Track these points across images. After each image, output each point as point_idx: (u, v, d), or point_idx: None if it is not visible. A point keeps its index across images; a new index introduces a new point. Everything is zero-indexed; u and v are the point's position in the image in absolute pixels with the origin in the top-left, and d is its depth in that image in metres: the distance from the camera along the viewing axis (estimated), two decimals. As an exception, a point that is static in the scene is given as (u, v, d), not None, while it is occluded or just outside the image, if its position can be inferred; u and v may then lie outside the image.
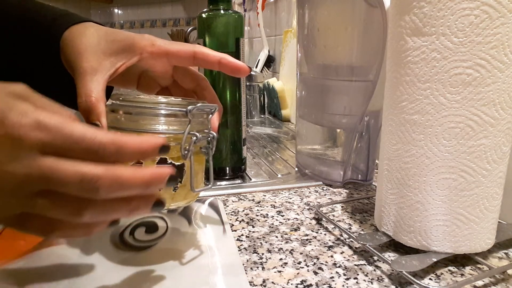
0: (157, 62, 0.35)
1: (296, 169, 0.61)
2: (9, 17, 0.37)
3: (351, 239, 0.39)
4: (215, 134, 0.33)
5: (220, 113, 0.37)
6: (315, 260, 0.35)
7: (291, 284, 0.31)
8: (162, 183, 0.25)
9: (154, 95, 0.39)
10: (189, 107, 0.31)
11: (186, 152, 0.31)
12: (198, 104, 0.32)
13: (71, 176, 0.22)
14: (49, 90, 0.39)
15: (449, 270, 0.33)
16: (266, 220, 0.43)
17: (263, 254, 0.36)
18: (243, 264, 0.34)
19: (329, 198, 0.50)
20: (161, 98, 0.34)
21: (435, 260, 0.33)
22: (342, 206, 0.47)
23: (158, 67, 0.36)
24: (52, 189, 0.22)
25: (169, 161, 0.31)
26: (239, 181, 0.57)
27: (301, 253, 0.36)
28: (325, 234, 0.40)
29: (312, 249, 0.37)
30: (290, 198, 0.49)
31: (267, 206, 0.47)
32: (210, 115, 0.34)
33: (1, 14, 0.37)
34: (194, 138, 0.31)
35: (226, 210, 0.46)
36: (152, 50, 0.34)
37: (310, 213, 0.45)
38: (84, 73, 0.31)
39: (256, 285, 0.31)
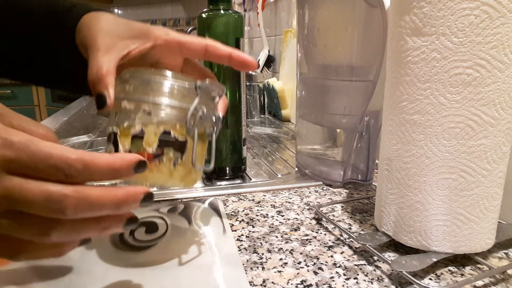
0: (169, 53, 0.36)
1: (296, 169, 0.61)
2: (28, 6, 0.37)
3: (351, 239, 0.39)
4: (220, 114, 0.34)
5: (225, 105, 0.38)
6: (315, 260, 0.35)
7: (291, 284, 0.31)
8: (136, 204, 0.24)
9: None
10: (199, 82, 0.31)
11: (191, 126, 0.31)
12: (207, 81, 0.32)
13: (37, 196, 0.21)
14: (62, 76, 0.40)
15: (449, 270, 0.33)
16: (266, 220, 0.43)
17: (263, 254, 0.36)
18: (243, 264, 0.34)
19: (329, 198, 0.50)
20: (171, 73, 0.34)
21: (435, 260, 0.33)
22: (342, 206, 0.47)
23: (170, 58, 0.37)
24: (18, 209, 0.21)
25: (173, 135, 0.31)
26: (239, 181, 0.57)
27: (301, 253, 0.36)
28: (325, 234, 0.40)
29: (312, 249, 0.37)
30: (290, 198, 0.49)
31: (267, 206, 0.47)
32: (217, 98, 0.34)
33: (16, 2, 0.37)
34: (200, 113, 0.31)
35: (226, 210, 0.46)
36: (167, 38, 0.35)
37: (310, 213, 0.45)
38: (97, 50, 0.32)
39: (256, 285, 0.31)
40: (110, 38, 0.33)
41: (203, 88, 0.32)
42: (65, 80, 0.40)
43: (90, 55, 0.32)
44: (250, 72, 1.05)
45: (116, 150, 0.31)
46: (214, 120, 0.33)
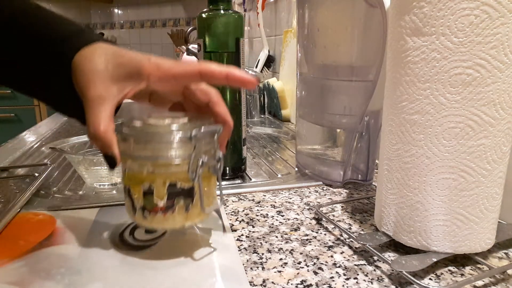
0: (165, 84, 0.35)
1: (296, 169, 0.61)
2: (23, 37, 0.36)
3: (351, 239, 0.39)
4: (221, 155, 0.34)
5: (229, 130, 0.37)
6: (315, 260, 0.35)
7: (291, 284, 0.31)
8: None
9: (164, 115, 0.38)
10: (193, 133, 0.31)
11: (194, 175, 0.32)
12: (202, 129, 0.32)
13: None
14: (62, 106, 0.39)
15: (449, 270, 0.33)
16: (266, 220, 0.43)
17: (263, 254, 0.36)
18: (243, 264, 0.34)
19: (329, 198, 0.50)
20: (169, 121, 0.34)
21: (435, 260, 0.33)
22: (342, 206, 0.47)
23: (167, 87, 0.36)
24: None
25: (179, 185, 0.32)
26: (239, 181, 0.57)
27: (301, 253, 0.36)
28: (325, 234, 0.40)
29: (312, 249, 0.37)
30: (290, 198, 0.49)
31: (267, 206, 0.47)
32: (216, 135, 0.34)
33: (14, 32, 0.36)
34: (201, 161, 0.32)
35: (226, 210, 0.46)
36: (159, 75, 0.33)
37: (310, 213, 0.45)
38: (92, 102, 0.32)
39: (256, 285, 0.31)
40: (102, 83, 0.32)
41: (199, 136, 0.32)
42: (68, 112, 0.39)
43: (85, 106, 0.32)
44: (250, 72, 1.05)
45: (132, 203, 0.33)
46: (216, 159, 0.34)
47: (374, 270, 0.33)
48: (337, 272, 0.33)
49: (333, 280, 0.32)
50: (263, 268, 0.34)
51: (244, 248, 0.37)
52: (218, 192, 0.38)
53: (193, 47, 1.49)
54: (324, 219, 0.43)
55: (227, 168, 0.56)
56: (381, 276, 0.32)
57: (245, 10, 1.54)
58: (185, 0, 2.60)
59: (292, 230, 0.41)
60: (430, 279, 0.32)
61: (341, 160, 0.56)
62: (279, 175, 0.59)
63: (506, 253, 0.36)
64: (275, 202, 0.48)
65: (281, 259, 0.35)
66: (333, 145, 0.58)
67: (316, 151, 0.59)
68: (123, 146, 0.32)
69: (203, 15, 0.52)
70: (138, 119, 0.35)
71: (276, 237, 0.39)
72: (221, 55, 0.53)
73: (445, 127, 0.31)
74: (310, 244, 0.38)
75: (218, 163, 0.34)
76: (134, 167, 0.33)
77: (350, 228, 0.41)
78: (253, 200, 0.49)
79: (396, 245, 0.37)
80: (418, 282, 0.30)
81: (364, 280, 0.32)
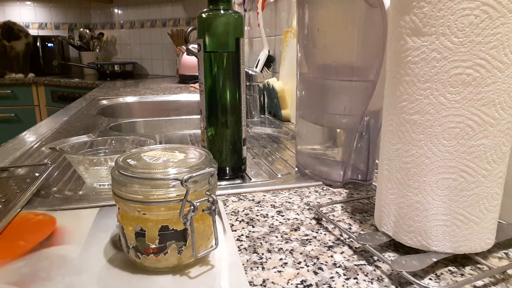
0: None
1: (296, 169, 0.61)
2: None
3: (351, 239, 0.39)
4: (215, 197, 0.34)
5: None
6: (315, 260, 0.35)
7: (291, 284, 0.31)
8: None
9: (158, 150, 0.37)
10: (185, 177, 0.31)
11: (185, 219, 0.31)
12: (194, 174, 0.32)
13: None
14: None
15: (449, 270, 0.33)
16: (266, 220, 0.43)
17: (263, 254, 0.36)
18: (243, 264, 0.34)
19: (329, 198, 0.50)
20: (163, 160, 0.34)
21: (435, 260, 0.33)
22: (342, 206, 0.47)
23: None
24: None
25: (171, 228, 0.32)
26: (239, 181, 0.57)
27: (301, 253, 0.36)
28: (325, 234, 0.40)
29: (312, 249, 0.37)
30: (290, 198, 0.49)
31: (267, 206, 0.47)
32: (211, 177, 0.34)
33: None
34: (192, 207, 0.31)
35: (226, 210, 0.46)
36: None
37: (310, 213, 0.45)
38: None
39: (256, 285, 0.31)
40: None
41: (191, 180, 0.31)
42: None
43: None
44: (250, 72, 1.05)
45: (126, 241, 0.33)
46: (210, 201, 0.33)
47: (374, 270, 0.33)
48: (337, 272, 0.33)
49: (333, 280, 0.32)
50: (263, 268, 0.34)
51: (244, 248, 0.37)
52: (219, 229, 0.37)
53: (193, 47, 1.50)
54: (324, 219, 0.43)
55: (227, 168, 0.56)
56: (381, 276, 0.32)
57: (245, 10, 1.54)
58: (185, 0, 2.60)
59: (292, 230, 0.41)
60: (430, 279, 0.32)
61: (341, 160, 0.56)
62: (279, 175, 0.59)
63: (506, 253, 0.36)
64: (275, 202, 0.48)
65: (281, 259, 0.35)
66: (333, 145, 0.58)
67: (316, 151, 0.59)
68: (116, 186, 0.33)
69: (203, 15, 0.52)
70: (133, 155, 0.35)
71: (276, 237, 0.39)
72: (221, 55, 0.53)
73: (445, 127, 0.31)
74: (310, 244, 0.38)
75: (213, 205, 0.34)
76: (126, 208, 0.32)
77: (350, 228, 0.41)
78: (253, 200, 0.49)
79: (396, 245, 0.37)
80: (418, 282, 0.30)
81: (364, 280, 0.32)
